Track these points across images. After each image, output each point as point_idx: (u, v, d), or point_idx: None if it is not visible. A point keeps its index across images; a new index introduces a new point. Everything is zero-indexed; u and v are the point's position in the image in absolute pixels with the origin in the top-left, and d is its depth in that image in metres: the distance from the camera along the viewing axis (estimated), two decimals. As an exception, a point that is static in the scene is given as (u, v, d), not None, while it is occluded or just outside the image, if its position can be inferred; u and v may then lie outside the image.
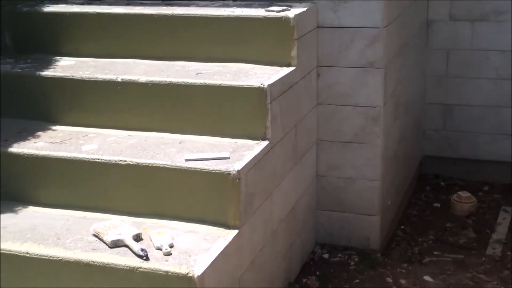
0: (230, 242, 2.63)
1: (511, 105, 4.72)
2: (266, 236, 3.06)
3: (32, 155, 2.89)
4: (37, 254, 2.54)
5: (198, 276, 2.37)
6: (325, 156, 3.76)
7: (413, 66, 4.43)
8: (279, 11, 3.30)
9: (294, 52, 3.26)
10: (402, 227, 4.24)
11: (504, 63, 4.69)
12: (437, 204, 4.55)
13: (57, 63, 3.39)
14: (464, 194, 4.44)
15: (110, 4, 3.66)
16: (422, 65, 4.76)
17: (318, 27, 3.57)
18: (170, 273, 2.40)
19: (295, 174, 3.41)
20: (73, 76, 3.17)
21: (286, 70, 3.21)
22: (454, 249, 3.93)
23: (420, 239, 4.05)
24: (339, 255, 3.81)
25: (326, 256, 3.80)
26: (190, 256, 2.49)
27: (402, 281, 3.57)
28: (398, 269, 3.69)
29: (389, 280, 3.58)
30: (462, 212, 4.38)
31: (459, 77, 4.82)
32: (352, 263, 3.73)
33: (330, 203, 3.82)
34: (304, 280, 3.55)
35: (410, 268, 3.70)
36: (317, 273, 3.63)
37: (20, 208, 2.89)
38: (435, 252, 3.90)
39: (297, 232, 3.54)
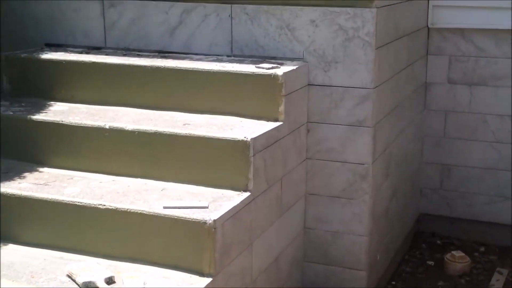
0: (202, 290, 2.68)
1: (510, 168, 4.74)
2: (245, 285, 3.09)
3: (15, 195, 2.98)
4: (9, 292, 2.61)
5: (164, 322, 2.42)
6: (313, 209, 3.81)
7: (408, 126, 4.49)
8: (268, 68, 3.39)
9: (281, 108, 3.34)
10: (393, 282, 4.25)
11: (502, 127, 4.74)
12: (431, 262, 4.56)
13: (50, 108, 3.51)
14: (458, 253, 4.45)
15: (107, 54, 3.79)
16: (419, 125, 4.82)
17: (309, 84, 3.67)
18: (137, 318, 2.45)
19: (279, 226, 3.45)
20: (62, 121, 3.28)
21: (273, 125, 3.28)
22: (443, 308, 3.93)
23: (410, 296, 4.07)
24: (324, 309, 3.82)
25: (310, 309, 3.82)
26: (159, 302, 2.54)
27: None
28: (383, 324, 3.69)
29: (372, 335, 3.58)
30: (455, 272, 4.39)
31: (457, 138, 4.87)
32: (336, 317, 3.74)
33: (317, 255, 3.85)
34: (284, 333, 3.56)
35: (395, 323, 3.71)
36: (298, 326, 3.65)
37: (-1, 245, 2.98)
38: (424, 311, 3.90)
39: (281, 282, 3.56)
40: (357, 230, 3.74)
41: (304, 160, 3.74)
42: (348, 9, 3.50)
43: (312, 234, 3.83)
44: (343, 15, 3.51)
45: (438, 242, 4.89)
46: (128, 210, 2.83)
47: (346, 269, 3.81)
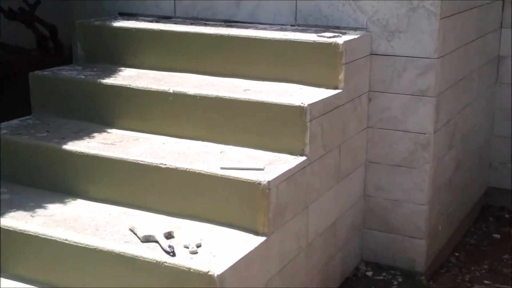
0: (256, 248, 2.79)
1: None
2: (300, 248, 3.19)
3: (83, 153, 3.18)
4: (75, 242, 2.81)
5: (218, 275, 2.54)
6: (373, 177, 3.85)
7: (477, 98, 4.43)
8: (330, 37, 3.45)
9: (341, 76, 3.39)
10: (456, 254, 4.25)
11: None
12: (497, 235, 4.51)
13: (120, 73, 3.69)
14: (526, 227, 4.39)
15: (176, 22, 3.94)
16: (490, 98, 4.73)
17: (371, 54, 3.69)
18: (192, 270, 2.58)
19: (337, 192, 3.52)
20: (130, 85, 3.45)
21: (332, 92, 3.34)
22: (506, 280, 3.89)
23: (473, 268, 4.05)
24: (383, 274, 3.87)
25: (369, 273, 3.87)
26: (214, 256, 2.66)
27: (444, 305, 3.60)
28: (442, 294, 3.72)
29: (430, 302, 3.62)
30: (521, 245, 4.33)
31: (529, 111, 4.77)
32: (395, 282, 3.78)
33: (377, 223, 3.90)
34: (343, 294, 3.65)
35: (455, 294, 3.72)
36: (357, 289, 3.73)
37: (69, 200, 3.18)
38: (486, 282, 3.88)
39: (338, 247, 3.64)
40: (417, 199, 3.76)
41: (365, 128, 3.78)
42: (413, -22, 3.50)
43: (372, 202, 3.88)
44: (408, -15, 3.52)
45: (506, 216, 4.82)
46: (187, 170, 2.98)
47: (406, 237, 3.85)
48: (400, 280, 3.80)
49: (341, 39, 3.40)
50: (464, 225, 4.53)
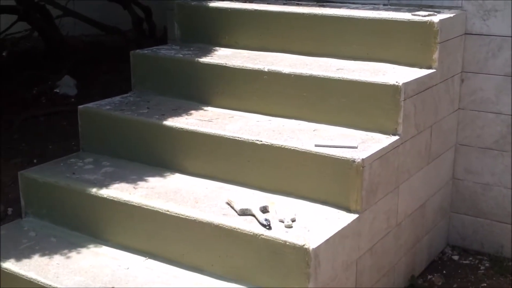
0: (349, 224, 2.84)
1: None
2: (389, 227, 3.22)
3: (182, 129, 3.30)
4: (176, 213, 2.93)
5: (313, 248, 2.60)
6: (463, 160, 3.83)
7: None
8: (424, 16, 3.43)
9: (435, 56, 3.38)
10: (552, 242, 4.15)
11: None
12: None
13: (215, 52, 3.79)
14: None
15: (269, 2, 4.01)
16: None
17: (465, 33, 3.66)
18: (288, 243, 2.65)
19: (427, 173, 3.52)
20: (226, 64, 3.54)
21: (425, 72, 3.34)
22: None
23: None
24: (470, 258, 3.85)
25: (456, 257, 3.86)
26: (309, 231, 2.73)
27: (531, 292, 3.55)
28: (531, 281, 3.66)
29: (518, 289, 3.58)
30: None
31: None
32: (482, 267, 3.75)
33: (465, 207, 3.88)
34: (429, 277, 3.65)
35: (544, 282, 3.66)
36: (444, 272, 3.71)
37: (168, 174, 3.31)
38: None
39: (426, 229, 3.64)
40: (508, 183, 3.72)
41: (456, 110, 3.75)
42: (510, -44, 3.44)
43: (461, 185, 3.86)
44: (505, -38, 3.46)
45: None
46: (282, 147, 3.05)
47: (494, 222, 3.81)
48: (487, 265, 3.77)
49: (436, 18, 3.38)
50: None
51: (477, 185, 3.82)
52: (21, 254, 3.06)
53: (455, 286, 3.58)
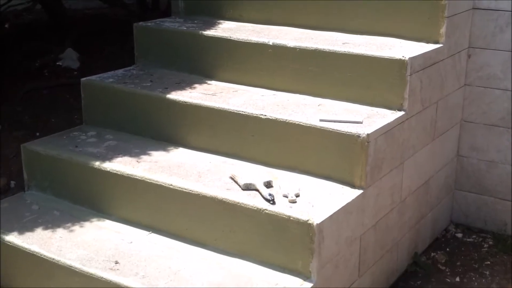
0: (353, 200, 2.82)
1: None
2: (393, 203, 3.20)
3: (186, 102, 3.27)
4: (180, 187, 2.91)
5: (317, 224, 2.59)
6: (468, 137, 3.80)
7: None
8: (432, -11, 3.39)
9: (443, 30, 3.33)
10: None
11: None
12: None
13: (220, 26, 3.75)
14: None
15: (274, -24, 3.96)
16: None
17: (473, 8, 3.61)
18: (292, 218, 2.64)
19: (432, 150, 3.50)
20: (230, 37, 3.50)
21: (432, 47, 3.30)
22: None
23: None
24: (473, 236, 3.84)
25: (459, 235, 3.85)
26: (313, 206, 2.71)
27: (535, 269, 3.54)
28: (534, 258, 3.66)
29: (521, 266, 3.57)
30: None
31: None
32: (485, 245, 3.75)
33: (469, 184, 3.86)
34: (433, 254, 3.64)
35: (547, 258, 3.66)
36: (447, 249, 3.71)
37: (171, 148, 3.29)
38: None
39: (430, 206, 3.63)
40: (514, 160, 3.70)
41: (463, 86, 3.72)
42: None
43: (466, 162, 3.83)
44: None
45: None
46: (287, 121, 3.02)
47: (498, 200, 3.80)
48: (490, 243, 3.76)
49: (443, -9, 3.34)
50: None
51: (482, 162, 3.80)
52: (24, 227, 3.06)
53: (458, 263, 3.58)
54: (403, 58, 3.07)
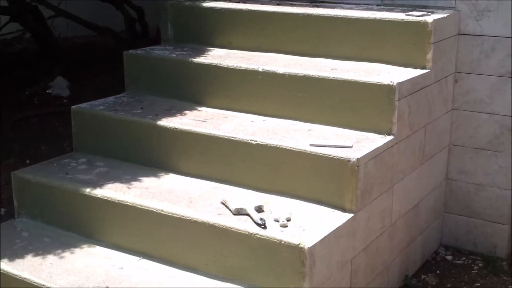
0: (344, 224, 2.84)
1: None
2: (384, 227, 3.22)
3: (177, 129, 3.29)
4: (171, 213, 2.92)
5: (308, 247, 2.60)
6: (457, 160, 3.83)
7: None
8: (418, 16, 3.44)
9: (429, 56, 3.39)
10: (542, 242, 4.17)
11: None
12: None
13: (209, 53, 3.78)
14: None
15: (262, 3, 4.00)
16: None
17: (459, 34, 3.67)
18: (283, 242, 2.65)
19: (421, 173, 3.53)
20: (220, 64, 3.54)
21: (419, 72, 3.35)
22: None
23: (556, 255, 3.98)
24: (463, 258, 3.85)
25: (449, 257, 3.86)
26: (304, 230, 2.72)
27: (524, 292, 3.56)
28: (523, 280, 3.67)
29: (511, 288, 3.59)
30: None
31: None
32: (475, 267, 3.76)
33: (458, 207, 3.88)
34: (423, 276, 3.65)
35: (537, 281, 3.67)
36: (438, 272, 3.71)
37: (162, 174, 3.30)
38: None
39: (419, 229, 3.65)
40: (502, 183, 3.73)
41: (450, 110, 3.76)
42: (503, -44, 3.46)
43: (454, 185, 3.87)
44: (498, -37, 3.47)
45: None
46: (277, 146, 3.04)
47: (488, 222, 3.82)
48: (480, 265, 3.78)
49: (430, 18, 3.39)
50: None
51: (471, 185, 3.83)
52: (15, 254, 3.05)
53: (448, 285, 3.59)
54: (391, 84, 3.12)
